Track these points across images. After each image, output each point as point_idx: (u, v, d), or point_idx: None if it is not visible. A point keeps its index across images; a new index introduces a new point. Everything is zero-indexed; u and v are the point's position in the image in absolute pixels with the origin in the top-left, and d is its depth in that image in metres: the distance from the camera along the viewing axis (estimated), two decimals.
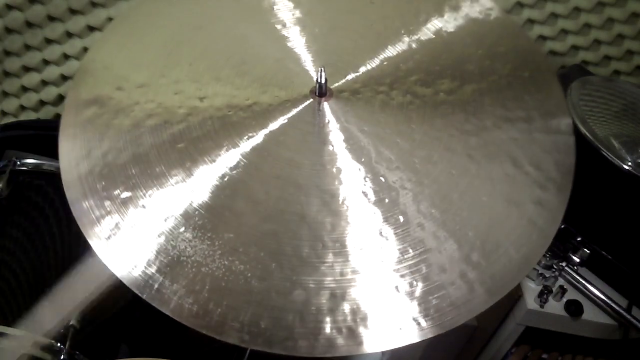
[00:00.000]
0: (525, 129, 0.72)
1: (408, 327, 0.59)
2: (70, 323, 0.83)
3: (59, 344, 0.80)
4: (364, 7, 0.86)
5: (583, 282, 0.96)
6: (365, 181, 0.67)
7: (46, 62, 1.27)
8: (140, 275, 0.62)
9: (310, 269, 0.62)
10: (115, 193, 0.66)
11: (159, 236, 0.64)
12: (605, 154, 0.94)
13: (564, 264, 0.96)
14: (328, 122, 0.72)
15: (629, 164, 0.94)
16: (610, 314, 0.95)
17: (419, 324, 0.59)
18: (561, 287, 0.94)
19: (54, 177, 0.95)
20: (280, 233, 0.64)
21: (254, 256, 0.62)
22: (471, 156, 0.69)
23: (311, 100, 0.73)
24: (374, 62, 0.78)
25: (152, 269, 0.62)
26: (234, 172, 0.68)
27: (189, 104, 0.74)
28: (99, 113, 0.73)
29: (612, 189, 0.98)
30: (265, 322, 0.59)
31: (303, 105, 0.73)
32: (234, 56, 0.79)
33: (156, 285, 0.61)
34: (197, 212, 0.65)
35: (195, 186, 0.67)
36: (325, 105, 0.73)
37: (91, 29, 1.25)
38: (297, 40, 0.80)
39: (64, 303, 0.83)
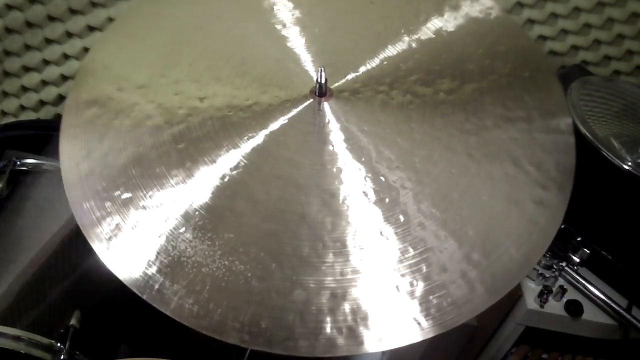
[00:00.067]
0: (526, 128, 0.72)
1: (408, 327, 0.59)
2: (70, 323, 0.83)
3: (59, 344, 0.80)
4: (364, 7, 0.86)
5: (583, 282, 0.96)
6: (366, 181, 0.67)
7: (46, 62, 1.27)
8: (140, 275, 0.62)
9: (310, 268, 0.62)
10: (115, 194, 0.66)
11: (159, 237, 0.64)
12: (605, 154, 0.94)
13: (564, 264, 0.96)
14: (328, 122, 0.72)
15: (629, 164, 0.94)
16: (610, 314, 0.95)
17: (419, 323, 0.59)
18: (561, 287, 0.94)
19: (54, 177, 0.95)
20: (281, 233, 0.64)
21: (254, 256, 0.62)
22: (471, 155, 0.69)
23: (311, 100, 0.73)
24: (374, 62, 0.78)
25: (153, 270, 0.62)
26: (234, 172, 0.68)
27: (189, 104, 0.74)
28: (99, 113, 0.73)
29: (612, 189, 0.98)
30: (266, 322, 0.59)
31: (303, 105, 0.73)
32: (234, 56, 0.79)
33: (156, 286, 0.61)
34: (197, 213, 0.65)
35: (195, 186, 0.67)
36: (325, 105, 0.73)
37: (91, 29, 1.25)
38: (297, 41, 0.80)
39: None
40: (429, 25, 0.82)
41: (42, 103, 1.31)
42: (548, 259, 0.96)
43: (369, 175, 0.68)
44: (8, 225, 0.93)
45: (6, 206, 0.94)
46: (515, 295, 0.95)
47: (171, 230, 0.64)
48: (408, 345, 0.59)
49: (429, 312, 0.60)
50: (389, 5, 0.86)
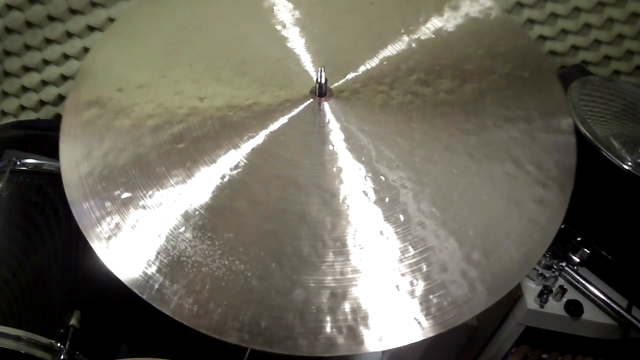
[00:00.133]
0: (526, 128, 0.72)
1: (409, 326, 0.59)
2: (70, 323, 0.83)
3: (59, 344, 0.80)
4: (364, 7, 0.86)
5: (583, 282, 0.96)
6: (366, 180, 0.67)
7: (46, 62, 1.27)
8: (140, 275, 0.62)
9: (310, 268, 0.62)
10: (115, 193, 0.66)
11: (159, 236, 0.64)
12: (605, 154, 0.94)
13: (564, 264, 0.96)
14: (328, 121, 0.72)
15: (629, 164, 0.94)
16: (610, 314, 0.95)
17: (419, 323, 0.59)
18: (561, 287, 0.94)
19: (54, 177, 0.95)
20: (281, 233, 0.64)
21: (254, 256, 0.62)
22: (471, 155, 0.69)
23: (311, 100, 0.73)
24: (374, 62, 0.78)
25: (152, 269, 0.62)
26: (234, 172, 0.68)
27: (189, 104, 0.74)
28: (99, 114, 0.73)
29: (612, 189, 0.98)
30: (266, 321, 0.59)
31: (303, 105, 0.73)
32: (234, 56, 0.79)
33: (156, 286, 0.61)
34: (197, 212, 0.65)
35: (195, 186, 0.67)
36: (326, 105, 0.73)
37: (91, 29, 1.25)
38: (297, 41, 0.81)
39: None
40: (428, 25, 0.82)
41: (42, 103, 1.31)
42: (548, 259, 0.96)
43: (369, 174, 0.68)
44: (8, 225, 0.93)
45: (6, 206, 0.94)
46: (515, 295, 0.95)
47: (171, 230, 0.64)
48: (408, 345, 0.59)
49: (429, 312, 0.60)
50: (389, 5, 0.86)
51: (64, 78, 1.29)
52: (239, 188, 0.67)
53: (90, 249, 0.63)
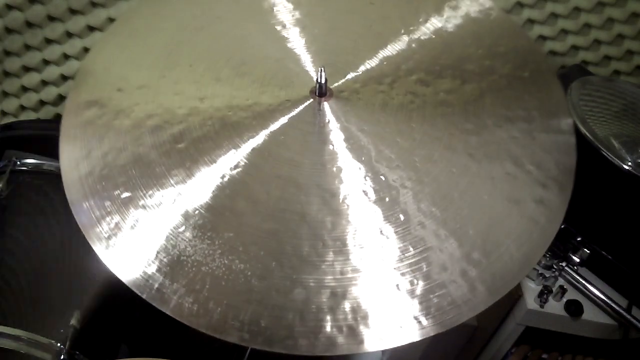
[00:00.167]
0: (526, 128, 0.72)
1: (409, 326, 0.59)
2: (71, 323, 0.83)
3: (59, 344, 0.80)
4: (364, 7, 0.86)
5: (583, 282, 0.96)
6: (366, 180, 0.67)
7: (46, 62, 1.27)
8: (140, 275, 0.62)
9: (310, 267, 0.62)
10: (115, 193, 0.66)
11: (159, 236, 0.64)
12: (605, 154, 0.94)
13: (564, 264, 0.96)
14: (328, 121, 0.72)
15: (629, 164, 0.94)
16: (610, 314, 0.95)
17: (419, 322, 0.59)
18: (561, 287, 0.94)
19: (54, 177, 0.95)
20: (281, 232, 0.64)
21: (254, 255, 0.62)
22: (472, 155, 0.69)
23: (311, 100, 0.74)
24: (374, 62, 0.78)
25: (152, 269, 0.62)
26: (234, 172, 0.68)
27: (189, 104, 0.74)
28: (99, 114, 0.73)
29: (612, 189, 0.98)
30: (266, 321, 0.59)
31: (303, 105, 0.73)
32: (234, 57, 0.79)
33: (156, 285, 0.61)
34: (197, 212, 0.65)
35: (195, 186, 0.67)
36: (325, 105, 0.73)
37: (91, 29, 1.24)
38: (297, 41, 0.81)
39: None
40: (428, 25, 0.82)
41: (42, 103, 1.31)
42: (548, 259, 0.96)
43: (369, 174, 0.68)
44: (8, 225, 0.93)
45: (6, 206, 0.94)
46: (515, 295, 0.95)
47: (171, 230, 0.64)
48: (408, 345, 0.59)
49: (429, 311, 0.60)
50: (389, 5, 0.86)
51: (64, 78, 1.29)
52: (239, 188, 0.67)
53: (90, 248, 0.63)
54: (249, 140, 0.70)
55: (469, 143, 0.70)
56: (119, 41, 0.83)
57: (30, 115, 1.32)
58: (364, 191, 0.66)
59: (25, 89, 1.29)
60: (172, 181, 0.67)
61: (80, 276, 0.90)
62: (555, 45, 1.34)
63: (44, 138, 1.12)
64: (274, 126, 0.72)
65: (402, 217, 0.65)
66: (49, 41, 1.24)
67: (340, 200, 0.66)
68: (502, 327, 1.01)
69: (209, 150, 0.69)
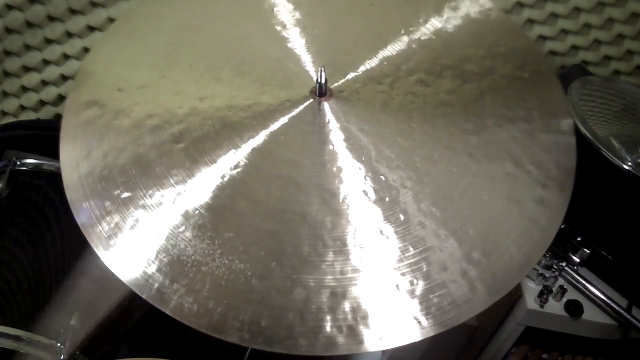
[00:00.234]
0: (526, 128, 0.72)
1: (409, 326, 0.59)
2: (71, 323, 0.83)
3: (59, 344, 0.80)
4: (364, 7, 0.86)
5: (583, 282, 0.96)
6: (366, 180, 0.67)
7: (46, 62, 1.27)
8: (140, 274, 0.62)
9: (310, 267, 0.62)
10: (115, 193, 0.66)
11: (159, 236, 0.64)
12: (605, 154, 0.94)
13: (564, 264, 0.96)
14: (328, 121, 0.72)
15: (629, 164, 0.94)
16: (610, 314, 0.95)
17: (419, 322, 0.59)
18: (561, 287, 0.94)
19: (54, 177, 0.95)
20: (281, 232, 0.64)
21: (254, 255, 0.62)
22: (472, 155, 0.69)
23: (311, 100, 0.73)
24: (374, 62, 0.78)
25: (152, 269, 0.62)
26: (234, 172, 0.68)
27: (189, 104, 0.74)
28: (99, 114, 0.73)
29: (612, 189, 0.98)
30: (266, 321, 0.59)
31: (303, 105, 0.73)
32: (234, 57, 0.79)
33: (156, 285, 0.61)
34: (197, 212, 0.65)
35: (195, 186, 0.67)
36: (325, 105, 0.73)
37: (91, 29, 1.25)
38: (297, 41, 0.81)
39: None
40: (428, 25, 0.82)
41: (42, 103, 1.31)
42: (548, 259, 0.96)
43: (369, 174, 0.68)
44: (8, 225, 0.93)
45: (6, 206, 0.94)
46: (515, 295, 0.95)
47: (171, 230, 0.64)
48: (408, 345, 0.59)
49: (429, 311, 0.60)
50: (389, 6, 0.86)
51: (64, 78, 1.29)
52: (239, 188, 0.67)
53: (90, 248, 0.63)
54: (249, 140, 0.70)
55: (469, 143, 0.70)
56: (119, 41, 0.83)
57: (30, 115, 1.32)
58: (364, 191, 0.66)
59: (25, 89, 1.29)
60: (172, 181, 0.67)
61: (80, 276, 0.90)
62: (555, 45, 1.34)
63: (44, 138, 1.12)
64: (274, 126, 0.72)
65: (402, 217, 0.65)
66: (49, 41, 1.24)
67: (340, 200, 0.66)
68: (502, 327, 1.01)
69: (209, 150, 0.69)
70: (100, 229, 0.64)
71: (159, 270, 0.62)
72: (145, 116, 0.73)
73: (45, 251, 0.90)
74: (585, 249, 0.96)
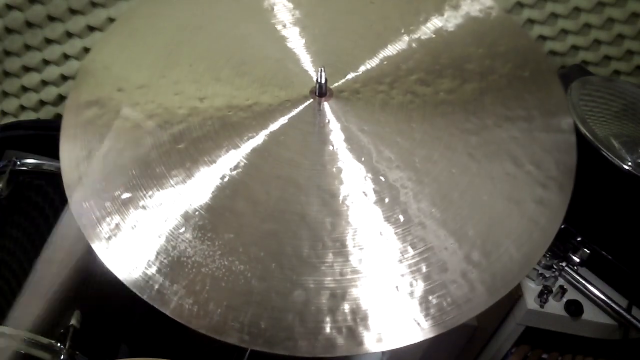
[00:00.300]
0: (526, 128, 0.72)
1: (408, 327, 0.59)
2: (71, 323, 0.83)
3: (59, 344, 0.80)
4: (364, 7, 0.86)
5: (583, 282, 0.96)
6: (366, 180, 0.67)
7: (46, 62, 1.27)
8: (140, 275, 0.62)
9: (310, 268, 0.62)
10: (115, 194, 0.66)
11: (159, 237, 0.64)
12: (605, 154, 0.94)
13: (564, 264, 0.96)
14: (328, 122, 0.72)
15: (629, 164, 0.94)
16: (610, 314, 0.95)
17: (419, 323, 0.59)
18: (561, 287, 0.94)
19: (54, 177, 0.95)
20: (281, 233, 0.64)
21: (254, 256, 0.62)
22: (472, 155, 0.69)
23: (311, 100, 0.73)
24: (374, 62, 0.78)
25: (152, 270, 0.62)
26: (234, 172, 0.68)
27: (189, 104, 0.74)
28: (99, 114, 0.73)
29: (612, 189, 0.98)
30: (266, 322, 0.59)
31: (303, 106, 0.73)
32: (234, 56, 0.79)
33: (156, 286, 0.61)
34: (197, 213, 0.65)
35: (195, 187, 0.67)
36: (325, 105, 0.73)
37: (91, 29, 1.24)
38: (297, 41, 0.80)
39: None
40: (429, 25, 0.82)
41: (42, 103, 1.31)
42: (548, 259, 0.96)
43: (369, 175, 0.68)
44: (8, 225, 0.93)
45: (6, 206, 0.94)
46: (515, 295, 0.95)
47: (171, 230, 0.64)
48: (408, 346, 0.58)
49: (428, 312, 0.60)
50: (389, 5, 0.86)
51: (64, 78, 1.29)
52: (239, 188, 0.67)
53: (91, 249, 0.63)
54: (249, 140, 0.70)
55: (469, 143, 0.70)
56: (119, 41, 0.83)
57: (30, 115, 1.32)
58: (363, 192, 0.66)
59: (25, 89, 1.29)
60: (172, 181, 0.67)
61: (80, 276, 0.90)
62: (555, 45, 1.34)
63: (44, 138, 1.12)
64: (274, 126, 0.72)
65: (402, 218, 0.65)
66: (49, 41, 1.24)
67: (340, 201, 0.66)
68: (502, 327, 1.01)
69: (209, 150, 0.69)
70: (101, 229, 0.64)
71: (159, 271, 0.62)
72: (146, 116, 0.73)
73: (45, 251, 0.90)
74: (585, 249, 0.96)
